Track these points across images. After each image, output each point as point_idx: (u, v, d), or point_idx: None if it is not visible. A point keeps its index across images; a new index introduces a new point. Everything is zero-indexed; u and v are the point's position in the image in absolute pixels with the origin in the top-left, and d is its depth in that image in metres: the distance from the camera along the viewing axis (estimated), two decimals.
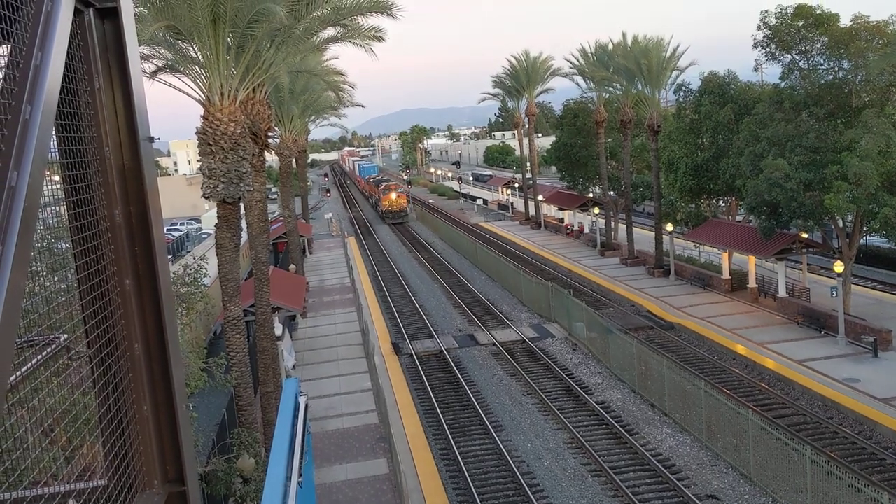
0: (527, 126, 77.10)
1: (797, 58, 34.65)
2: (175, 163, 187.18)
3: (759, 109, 36.35)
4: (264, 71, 21.25)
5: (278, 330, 26.85)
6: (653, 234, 50.82)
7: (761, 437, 21.87)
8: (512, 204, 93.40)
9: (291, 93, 45.81)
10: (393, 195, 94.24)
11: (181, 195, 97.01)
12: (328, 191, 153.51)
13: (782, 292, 37.71)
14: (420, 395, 31.11)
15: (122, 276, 3.35)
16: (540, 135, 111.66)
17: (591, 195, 65.45)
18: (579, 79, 59.87)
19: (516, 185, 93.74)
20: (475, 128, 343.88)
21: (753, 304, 39.84)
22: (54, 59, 2.54)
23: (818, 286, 39.17)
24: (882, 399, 26.17)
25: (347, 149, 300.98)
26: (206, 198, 20.44)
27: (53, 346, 2.80)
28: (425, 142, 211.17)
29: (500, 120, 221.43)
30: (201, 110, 20.10)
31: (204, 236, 71.58)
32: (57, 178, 3.10)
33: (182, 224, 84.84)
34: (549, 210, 75.87)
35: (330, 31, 23.62)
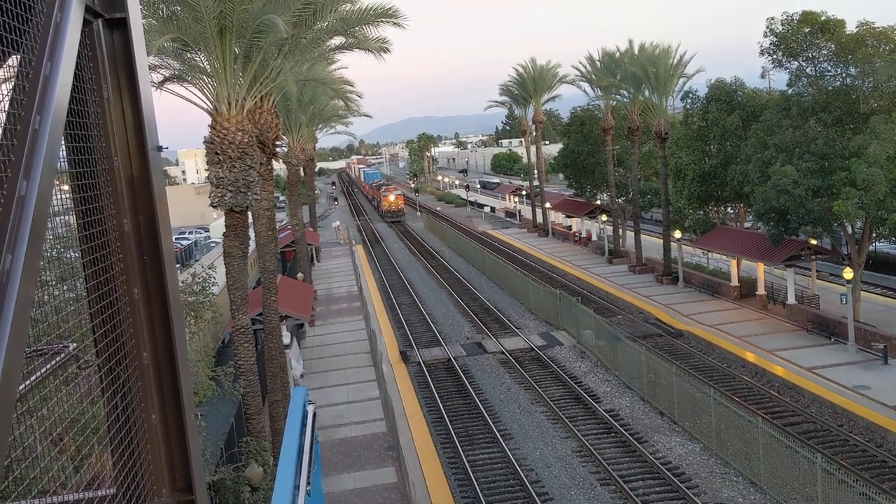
0: (534, 134, 77.13)
1: (804, 64, 34.63)
2: (183, 172, 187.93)
3: (767, 116, 36.30)
4: (271, 80, 21.33)
5: (286, 338, 26.86)
6: (661, 241, 50.70)
7: (771, 444, 21.74)
8: (519, 211, 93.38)
9: (299, 102, 45.96)
10: (391, 197, 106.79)
11: (189, 204, 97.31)
12: (336, 199, 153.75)
13: (791, 299, 37.56)
14: (428, 404, 31.06)
15: (131, 284, 3.36)
16: (547, 142, 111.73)
17: (598, 202, 65.41)
18: (586, 86, 59.93)
19: (524, 192, 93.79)
20: (482, 135, 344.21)
21: (762, 311, 39.68)
22: (63, 70, 2.56)
23: (827, 293, 38.99)
24: (892, 406, 26.00)
25: (356, 157, 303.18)
26: (214, 207, 20.50)
27: (62, 355, 2.81)
28: (432, 150, 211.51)
29: (508, 128, 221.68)
30: (209, 120, 20.19)
31: (212, 245, 71.73)
32: (66, 187, 3.12)
33: (190, 233, 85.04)
34: (557, 218, 75.84)
35: (337, 40, 23.72)
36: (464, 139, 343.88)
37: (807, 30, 33.75)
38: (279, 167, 48.88)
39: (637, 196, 54.77)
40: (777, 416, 26.74)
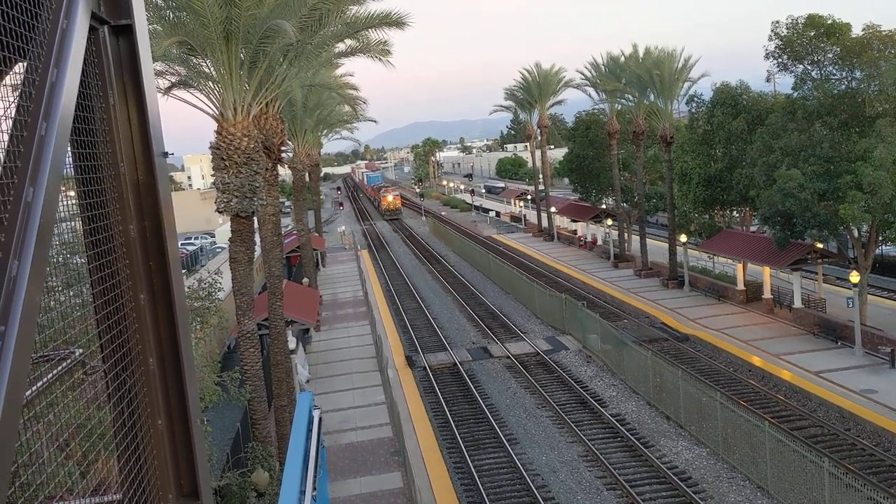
0: (539, 138, 77.12)
1: (809, 68, 34.59)
2: (189, 177, 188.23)
3: (772, 120, 36.25)
4: (277, 86, 21.38)
5: (292, 343, 26.87)
6: (666, 245, 50.64)
7: (778, 449, 21.67)
8: (525, 216, 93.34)
9: (304, 107, 46.05)
10: (389, 197, 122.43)
11: (195, 210, 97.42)
12: (341, 204, 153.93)
13: (798, 303, 37.46)
14: (434, 409, 31.04)
15: (137, 290, 3.36)
16: (552, 147, 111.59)
17: (603, 207, 65.33)
18: (591, 90, 59.97)
19: (529, 197, 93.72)
20: (487, 140, 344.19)
21: (769, 315, 39.58)
22: (69, 77, 2.57)
23: (834, 297, 38.88)
24: None
25: (365, 162, 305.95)
26: (220, 212, 20.55)
27: (69, 361, 2.81)
28: (437, 154, 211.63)
29: (513, 132, 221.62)
30: (215, 125, 20.24)
31: (218, 250, 71.83)
32: (72, 193, 3.12)
33: (196, 238, 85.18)
34: (562, 222, 75.78)
35: (342, 45, 23.77)
36: (469, 144, 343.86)
37: (812, 33, 33.70)
38: (285, 172, 48.91)
39: (642, 200, 54.71)
40: (784, 420, 26.65)
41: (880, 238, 34.08)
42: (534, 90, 74.89)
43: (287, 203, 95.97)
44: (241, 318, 21.72)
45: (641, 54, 53.33)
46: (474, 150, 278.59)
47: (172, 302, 3.42)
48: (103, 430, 3.17)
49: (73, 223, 3.21)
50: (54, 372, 2.70)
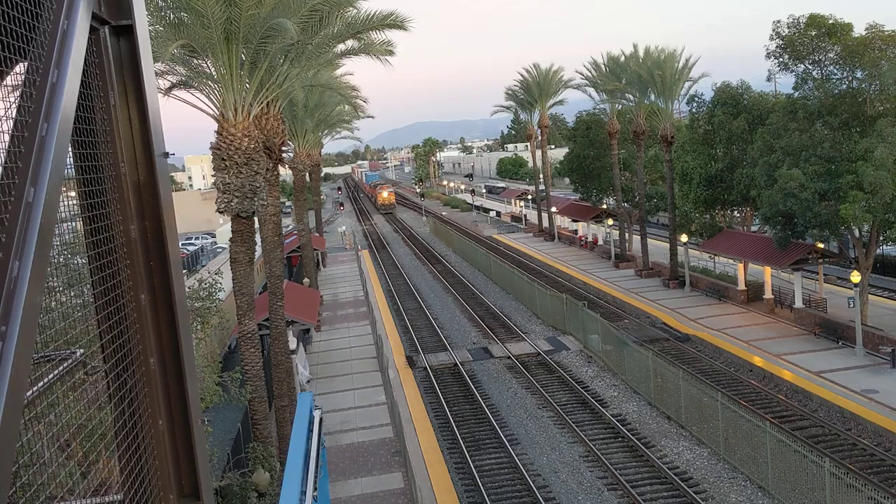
0: (539, 138, 77.10)
1: (810, 67, 34.56)
2: (190, 178, 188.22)
3: (773, 119, 36.24)
4: (278, 86, 21.38)
5: (293, 344, 26.89)
6: (667, 245, 50.62)
7: (779, 449, 21.66)
8: (525, 216, 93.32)
9: (305, 107, 46.06)
10: (384, 194, 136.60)
11: (196, 210, 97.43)
12: (342, 204, 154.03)
13: (799, 303, 37.44)
14: (435, 409, 31.04)
15: (138, 290, 3.36)
16: (553, 147, 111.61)
17: (604, 207, 65.31)
18: (592, 90, 59.92)
19: (529, 197, 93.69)
20: (488, 140, 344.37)
21: (770, 315, 39.57)
22: (70, 77, 2.57)
23: (835, 297, 38.86)
24: None
25: (368, 162, 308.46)
26: (221, 212, 20.55)
27: (70, 362, 2.81)
28: (438, 155, 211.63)
29: (513, 132, 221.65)
30: (215, 126, 20.24)
31: (218, 251, 71.90)
32: (73, 194, 3.12)
33: (197, 239, 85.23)
34: (563, 222, 75.76)
35: (343, 46, 23.77)
36: (469, 144, 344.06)
37: (813, 33, 33.67)
38: (285, 173, 48.98)
39: (643, 200, 54.69)
40: (785, 420, 26.65)
41: (881, 238, 34.05)
42: (534, 90, 74.89)
43: (288, 203, 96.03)
44: (242, 319, 21.73)
45: (642, 54, 53.29)
46: (475, 150, 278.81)
47: (173, 302, 3.42)
48: (104, 431, 3.17)
49: (74, 223, 3.21)
50: (55, 372, 2.70)
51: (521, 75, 75.79)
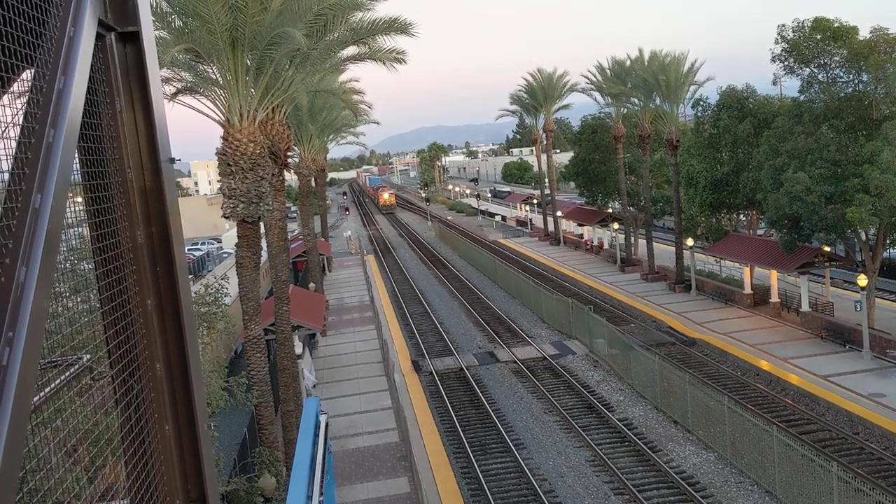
0: (545, 142, 77.14)
1: (816, 71, 34.49)
2: (196, 183, 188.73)
3: (779, 123, 36.17)
4: (283, 91, 21.44)
5: (298, 348, 26.91)
6: (673, 249, 50.51)
7: (786, 453, 21.58)
8: (531, 220, 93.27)
9: (310, 113, 46.16)
10: (385, 195, 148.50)
11: (202, 215, 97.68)
12: (347, 209, 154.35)
13: (805, 307, 37.33)
14: (441, 414, 31.01)
15: (144, 296, 3.37)
16: (558, 151, 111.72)
17: (610, 211, 65.27)
18: (597, 94, 59.90)
19: (535, 201, 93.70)
20: (493, 145, 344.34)
21: (776, 318, 39.46)
22: (77, 83, 2.58)
23: (842, 300, 38.74)
24: None
25: (375, 167, 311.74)
26: (227, 217, 20.59)
27: (76, 367, 2.81)
28: (443, 159, 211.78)
29: (518, 136, 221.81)
30: (221, 131, 20.29)
31: (224, 256, 71.93)
32: (79, 199, 3.13)
33: (203, 244, 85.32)
34: (569, 226, 75.72)
35: (348, 51, 23.82)
36: (474, 148, 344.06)
37: (819, 37, 33.61)
38: (291, 178, 49.06)
39: (649, 204, 54.64)
40: (792, 424, 26.56)
41: (888, 241, 33.95)
42: (538, 95, 74.94)
43: (293, 208, 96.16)
44: (248, 324, 21.76)
45: (647, 58, 53.28)
46: (480, 155, 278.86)
47: (179, 307, 3.43)
48: (111, 436, 3.18)
49: (80, 229, 3.22)
50: (62, 377, 2.70)
51: (526, 80, 75.96)
